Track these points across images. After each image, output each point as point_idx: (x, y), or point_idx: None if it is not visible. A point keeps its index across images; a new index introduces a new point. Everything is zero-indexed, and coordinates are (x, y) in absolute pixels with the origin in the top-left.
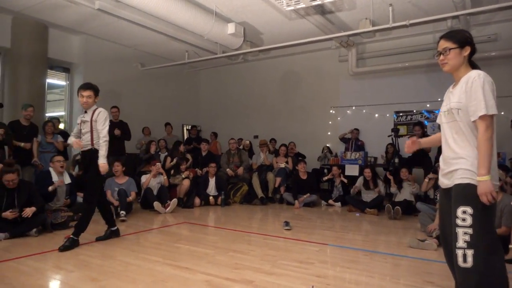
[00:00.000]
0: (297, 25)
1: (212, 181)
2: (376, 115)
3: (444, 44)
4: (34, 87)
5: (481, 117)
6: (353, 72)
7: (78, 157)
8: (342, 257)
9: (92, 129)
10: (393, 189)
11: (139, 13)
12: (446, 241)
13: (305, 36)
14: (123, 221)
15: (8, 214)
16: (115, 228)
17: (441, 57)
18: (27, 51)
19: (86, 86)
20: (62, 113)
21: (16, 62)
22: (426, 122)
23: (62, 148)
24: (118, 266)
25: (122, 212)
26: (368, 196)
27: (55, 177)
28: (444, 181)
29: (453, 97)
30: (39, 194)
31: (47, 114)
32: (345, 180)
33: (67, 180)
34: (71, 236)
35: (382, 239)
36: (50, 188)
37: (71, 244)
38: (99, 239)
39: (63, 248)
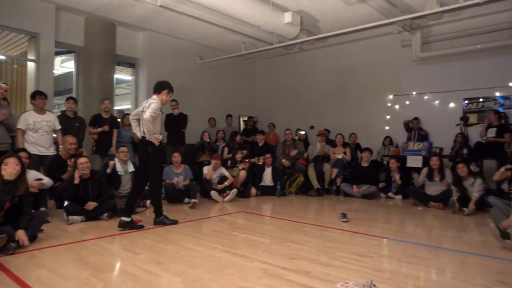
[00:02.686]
0: (356, 10)
1: (268, 172)
2: (443, 102)
3: None
4: (104, 82)
5: None
6: (418, 57)
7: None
8: (403, 252)
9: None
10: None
11: (197, 7)
12: None
13: (365, 22)
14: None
15: (90, 205)
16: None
17: None
18: (98, 48)
19: None
20: (129, 106)
21: (89, 60)
22: (500, 109)
23: (138, 141)
24: (180, 251)
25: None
26: (432, 189)
27: (119, 167)
28: None
29: None
30: (108, 182)
31: (115, 108)
32: (399, 181)
33: (131, 168)
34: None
35: (447, 234)
36: (108, 170)
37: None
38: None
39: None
